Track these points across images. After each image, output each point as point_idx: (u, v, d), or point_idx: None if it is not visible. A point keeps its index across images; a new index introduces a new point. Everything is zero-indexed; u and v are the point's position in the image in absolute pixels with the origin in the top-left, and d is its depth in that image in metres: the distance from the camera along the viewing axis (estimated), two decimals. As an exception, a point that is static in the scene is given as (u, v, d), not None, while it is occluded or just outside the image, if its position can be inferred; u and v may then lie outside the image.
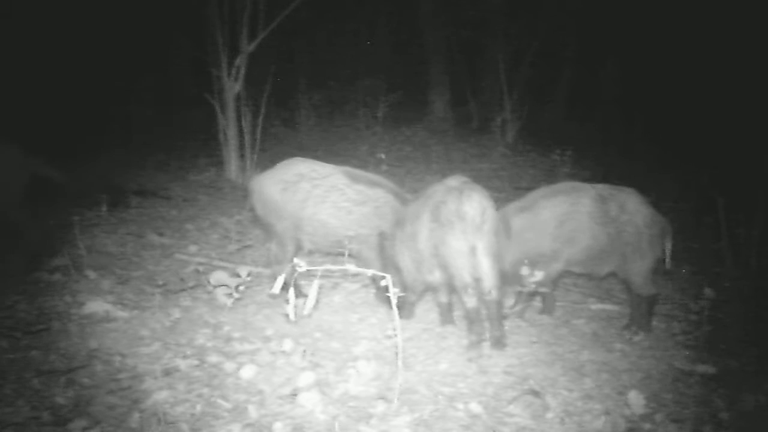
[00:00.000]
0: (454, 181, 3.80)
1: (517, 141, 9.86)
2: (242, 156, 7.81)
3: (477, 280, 3.65)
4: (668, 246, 4.07)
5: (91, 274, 4.71)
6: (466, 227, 3.59)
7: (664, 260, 4.12)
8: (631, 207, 4.01)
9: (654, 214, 4.06)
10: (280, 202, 4.37)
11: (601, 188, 4.11)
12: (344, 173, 4.45)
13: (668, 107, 10.59)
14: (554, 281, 4.32)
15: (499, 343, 3.76)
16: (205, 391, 3.21)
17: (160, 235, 5.84)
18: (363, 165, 8.16)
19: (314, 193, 4.34)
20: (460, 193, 3.64)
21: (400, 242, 4.06)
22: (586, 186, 4.14)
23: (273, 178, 4.44)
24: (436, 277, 3.90)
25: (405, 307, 4.05)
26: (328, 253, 4.74)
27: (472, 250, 3.61)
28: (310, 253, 4.67)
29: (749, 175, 5.23)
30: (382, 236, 4.26)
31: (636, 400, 3.25)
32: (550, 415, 3.14)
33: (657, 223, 4.04)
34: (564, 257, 4.04)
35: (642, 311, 4.13)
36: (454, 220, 3.61)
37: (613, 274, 4.26)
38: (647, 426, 3.10)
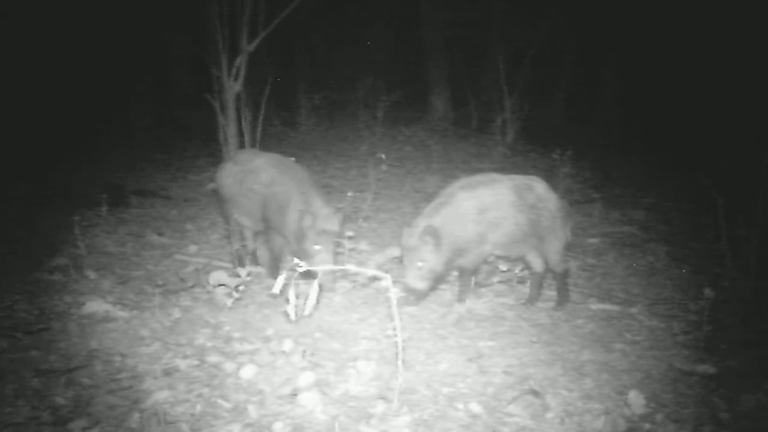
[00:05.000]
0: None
1: (517, 141, 9.84)
2: (242, 156, 7.78)
3: None
4: (571, 224, 4.61)
5: (91, 274, 4.71)
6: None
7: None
8: (544, 194, 4.37)
9: (559, 199, 4.49)
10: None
11: (517, 179, 4.46)
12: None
13: (668, 107, 10.60)
14: (481, 263, 4.61)
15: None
16: (205, 391, 3.21)
17: (160, 235, 5.84)
18: (363, 165, 8.18)
19: None
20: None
21: None
22: (504, 177, 4.46)
23: None
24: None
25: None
26: None
27: None
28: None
29: (749, 175, 5.22)
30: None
31: (636, 400, 3.25)
32: (550, 415, 3.14)
33: (563, 206, 4.48)
34: (490, 240, 4.32)
35: (560, 285, 4.55)
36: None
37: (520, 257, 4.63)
38: (647, 426, 3.10)
